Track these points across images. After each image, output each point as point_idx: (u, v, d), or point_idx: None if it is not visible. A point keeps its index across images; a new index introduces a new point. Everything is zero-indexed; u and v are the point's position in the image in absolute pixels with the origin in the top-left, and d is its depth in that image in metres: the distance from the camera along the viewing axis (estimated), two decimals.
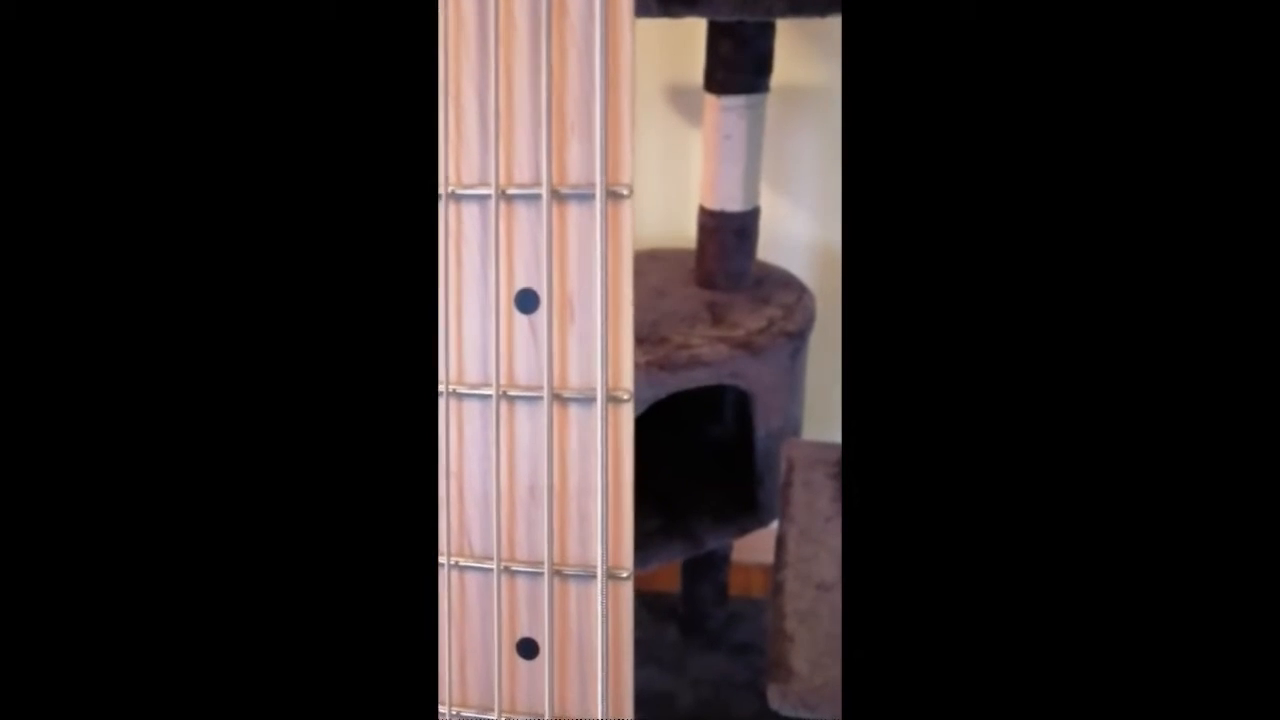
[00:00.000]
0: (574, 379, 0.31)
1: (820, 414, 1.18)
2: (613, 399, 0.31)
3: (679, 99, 1.15)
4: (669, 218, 1.20)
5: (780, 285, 1.04)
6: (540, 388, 0.31)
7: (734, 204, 0.98)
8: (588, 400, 0.31)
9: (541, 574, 0.32)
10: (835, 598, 0.77)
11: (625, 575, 0.31)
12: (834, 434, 1.21)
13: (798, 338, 0.96)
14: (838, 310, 1.13)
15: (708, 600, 1.19)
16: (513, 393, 0.31)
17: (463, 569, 0.33)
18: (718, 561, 1.16)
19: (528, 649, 0.32)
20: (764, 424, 0.98)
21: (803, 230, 1.19)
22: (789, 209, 1.19)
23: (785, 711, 0.72)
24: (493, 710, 0.33)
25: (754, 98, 0.94)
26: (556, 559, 0.32)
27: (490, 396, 0.31)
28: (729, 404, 1.12)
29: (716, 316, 0.97)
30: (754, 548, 1.26)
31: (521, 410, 0.31)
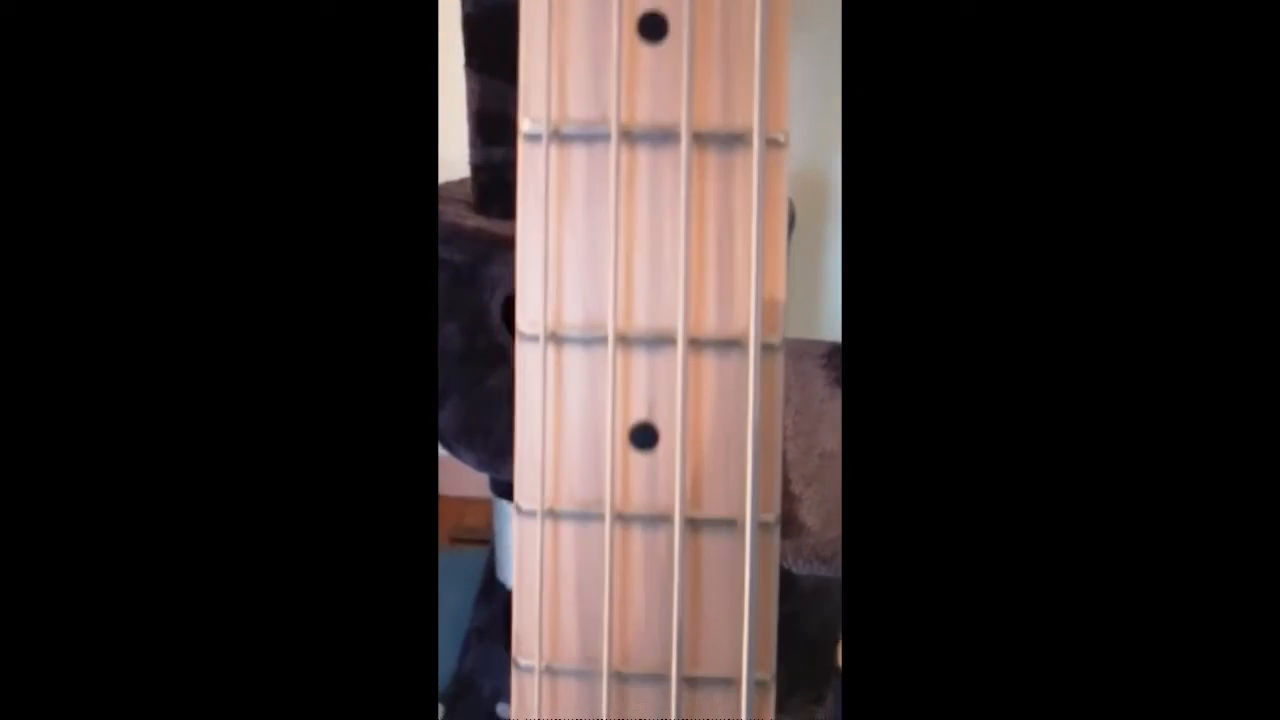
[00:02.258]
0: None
1: (800, 324, 1.19)
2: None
3: None
4: None
5: None
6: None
7: None
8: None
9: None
10: (840, 465, 0.78)
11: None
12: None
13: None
14: (816, 235, 1.12)
15: None
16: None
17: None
18: None
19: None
20: None
21: None
22: None
23: (798, 569, 0.72)
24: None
25: None
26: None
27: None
28: None
29: None
30: None
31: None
